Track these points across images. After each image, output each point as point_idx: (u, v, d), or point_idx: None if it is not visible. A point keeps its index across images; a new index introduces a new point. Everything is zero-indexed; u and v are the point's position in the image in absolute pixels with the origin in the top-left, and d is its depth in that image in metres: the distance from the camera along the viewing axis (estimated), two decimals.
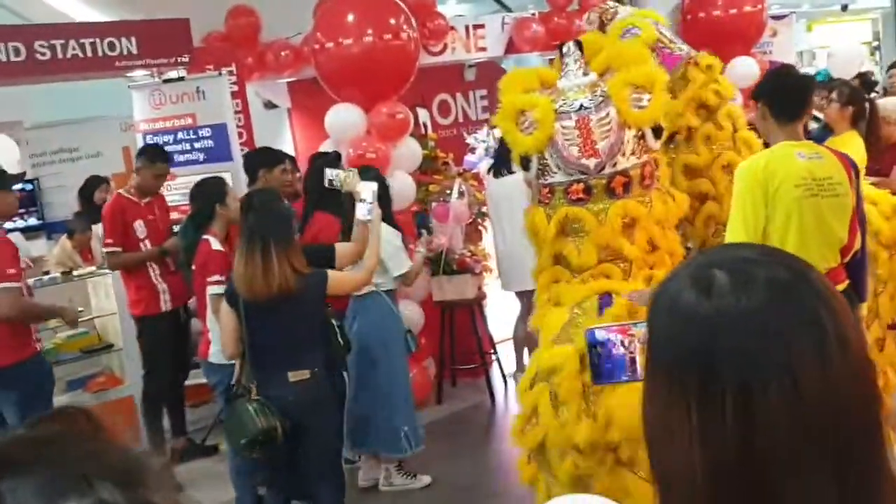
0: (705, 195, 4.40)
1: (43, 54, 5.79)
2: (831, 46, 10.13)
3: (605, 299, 3.41)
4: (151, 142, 6.25)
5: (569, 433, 3.21)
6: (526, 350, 6.37)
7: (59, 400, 5.97)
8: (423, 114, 7.66)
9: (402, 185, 6.11)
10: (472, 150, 6.70)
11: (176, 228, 5.66)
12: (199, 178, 5.38)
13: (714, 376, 0.89)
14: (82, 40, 5.94)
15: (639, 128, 3.50)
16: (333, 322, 4.49)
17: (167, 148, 6.30)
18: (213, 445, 5.87)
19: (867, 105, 5.40)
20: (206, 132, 6.35)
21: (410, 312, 6.12)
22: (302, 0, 6.93)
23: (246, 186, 5.49)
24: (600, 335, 1.73)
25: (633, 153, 3.52)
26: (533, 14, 8.14)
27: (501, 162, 3.88)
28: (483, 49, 7.74)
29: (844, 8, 13.90)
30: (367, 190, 4.36)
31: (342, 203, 4.64)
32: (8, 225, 5.89)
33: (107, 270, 5.91)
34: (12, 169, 7.27)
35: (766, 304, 0.90)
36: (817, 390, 0.87)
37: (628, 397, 2.80)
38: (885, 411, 0.97)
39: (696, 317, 0.92)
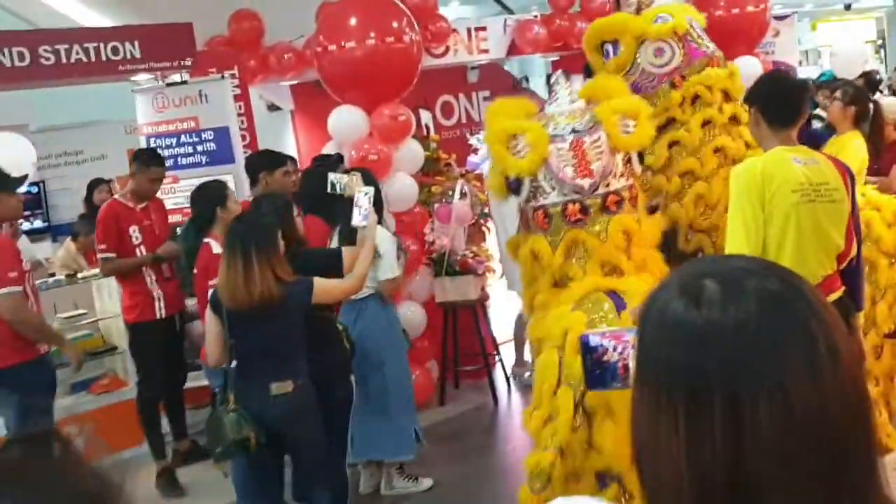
0: (692, 173, 4.40)
1: (47, 59, 5.81)
2: (834, 46, 10.12)
3: (617, 300, 3.45)
4: (146, 146, 6.25)
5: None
6: (527, 346, 6.37)
7: (63, 402, 6.02)
8: (425, 115, 7.68)
9: (404, 187, 6.14)
10: (475, 151, 6.70)
11: (178, 231, 5.67)
12: (201, 181, 5.41)
13: (703, 387, 0.89)
14: (86, 45, 5.96)
15: (627, 152, 3.70)
16: (339, 325, 4.51)
17: (170, 151, 6.33)
18: None
19: (871, 105, 5.39)
20: (208, 135, 6.37)
21: (413, 314, 6.14)
22: (304, 3, 6.95)
23: (248, 189, 5.52)
24: (594, 341, 1.73)
25: (622, 175, 3.70)
26: (535, 16, 8.14)
27: None
28: (485, 51, 7.74)
29: (848, 7, 13.89)
30: (363, 195, 4.33)
31: (335, 209, 4.58)
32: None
33: None
34: (28, 170, 7.33)
35: (756, 316, 0.89)
36: (807, 403, 0.87)
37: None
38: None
39: (685, 327, 0.92)
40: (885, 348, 4.60)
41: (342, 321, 4.63)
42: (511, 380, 6.79)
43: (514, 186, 3.71)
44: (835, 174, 3.40)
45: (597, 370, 1.73)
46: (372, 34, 5.91)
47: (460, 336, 6.52)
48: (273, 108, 7.71)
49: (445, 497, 5.05)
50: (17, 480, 0.69)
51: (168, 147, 6.38)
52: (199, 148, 6.39)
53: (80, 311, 6.22)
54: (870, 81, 8.49)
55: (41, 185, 8.97)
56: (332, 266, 4.18)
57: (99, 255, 5.59)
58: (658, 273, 3.63)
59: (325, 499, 4.07)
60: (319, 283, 3.94)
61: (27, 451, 0.75)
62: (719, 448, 0.87)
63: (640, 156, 3.81)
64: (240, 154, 6.30)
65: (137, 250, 5.49)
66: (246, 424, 3.75)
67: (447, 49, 7.35)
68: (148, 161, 5.60)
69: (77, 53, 5.93)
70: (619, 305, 3.43)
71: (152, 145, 6.37)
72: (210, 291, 4.12)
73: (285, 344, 3.87)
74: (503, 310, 7.02)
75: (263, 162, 5.44)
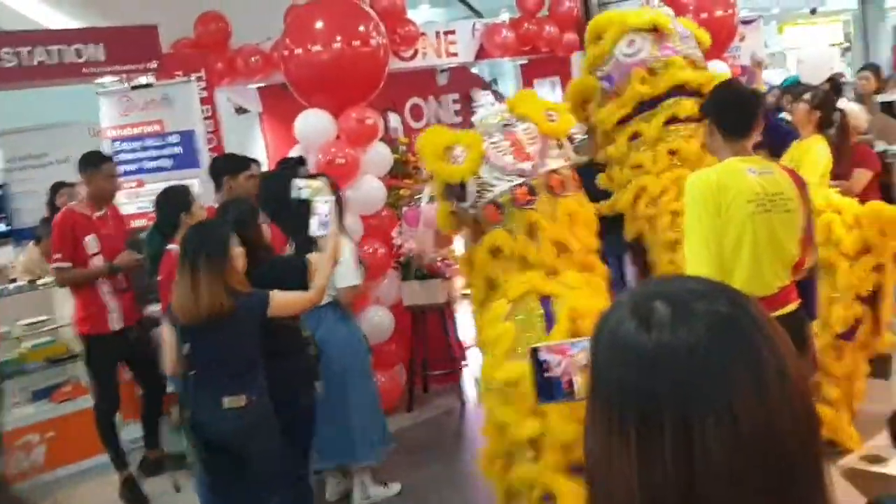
0: (641, 167, 4.53)
1: (10, 61, 5.74)
2: (801, 53, 10.22)
3: (548, 309, 3.57)
4: (110, 150, 6.17)
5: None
6: None
7: (25, 411, 5.95)
8: (394, 118, 7.66)
9: (372, 190, 6.11)
10: None
11: (142, 236, 5.60)
12: (166, 185, 5.35)
13: (654, 409, 0.89)
14: (50, 47, 5.89)
15: (556, 137, 3.95)
16: (304, 332, 4.46)
17: (134, 155, 6.29)
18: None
19: (837, 113, 5.44)
20: (174, 139, 6.32)
21: (380, 318, 6.11)
22: (272, 5, 6.92)
23: (214, 193, 5.46)
24: (542, 355, 1.74)
25: (558, 157, 3.94)
26: (504, 20, 8.16)
27: None
28: (454, 54, 7.76)
29: (813, 11, 14.05)
30: (322, 203, 4.22)
31: (294, 216, 4.44)
32: None
33: None
34: None
35: (706, 339, 0.90)
36: (755, 423, 0.88)
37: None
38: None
39: (636, 349, 0.92)
40: (847, 350, 4.64)
41: (306, 328, 4.57)
42: (479, 382, 6.78)
43: (458, 193, 3.85)
44: (789, 184, 3.39)
45: (545, 384, 1.74)
46: (339, 38, 5.87)
47: (428, 340, 6.50)
48: (241, 110, 7.65)
49: (414, 502, 5.03)
50: None
51: (133, 151, 6.32)
52: (165, 151, 6.34)
53: (42, 318, 6.13)
54: (835, 85, 8.58)
55: (4, 188, 8.84)
56: (299, 275, 4.08)
57: (53, 266, 5.43)
58: (597, 273, 3.87)
59: None
60: (277, 296, 3.82)
61: None
62: (671, 471, 0.88)
63: (571, 141, 4.17)
64: (206, 158, 6.25)
65: (94, 260, 5.35)
66: (188, 437, 3.69)
67: (416, 52, 7.35)
68: (97, 161, 5.46)
69: (40, 55, 5.87)
70: (549, 318, 3.54)
71: (117, 149, 6.31)
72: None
73: (238, 357, 3.77)
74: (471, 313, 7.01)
75: (227, 166, 5.39)
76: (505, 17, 8.33)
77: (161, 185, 5.45)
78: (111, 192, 5.53)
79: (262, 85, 7.12)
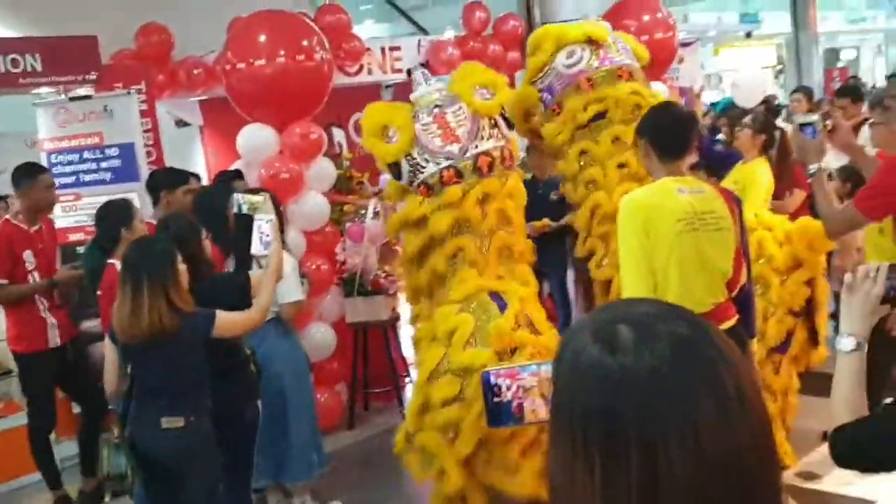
0: (594, 183, 4.54)
1: None
2: (735, 77, 10.46)
3: (499, 301, 3.76)
4: (46, 162, 6.02)
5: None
6: None
7: None
8: (338, 133, 7.64)
9: (316, 205, 6.08)
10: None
11: (79, 250, 5.48)
12: (105, 198, 5.24)
13: (618, 431, 0.90)
14: None
15: (489, 116, 4.10)
16: (246, 349, 4.40)
17: (73, 167, 6.15)
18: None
19: (776, 133, 5.58)
20: (113, 151, 6.19)
21: (322, 335, 6.07)
22: (215, 17, 6.86)
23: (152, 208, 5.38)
24: (492, 379, 1.74)
25: (491, 137, 4.09)
26: (449, 37, 8.22)
27: None
28: (399, 70, 7.77)
29: (748, 34, 14.43)
30: (264, 222, 4.12)
31: (232, 233, 4.31)
32: None
33: None
34: None
35: (669, 361, 0.92)
36: (718, 441, 0.90)
37: None
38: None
39: (600, 372, 0.93)
40: (783, 364, 4.75)
41: (247, 345, 4.52)
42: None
43: (394, 171, 4.10)
44: (721, 203, 3.44)
45: (494, 409, 1.74)
46: (282, 52, 5.83)
47: (371, 357, 6.46)
48: (181, 123, 7.56)
49: None
50: None
51: (70, 163, 6.19)
52: (104, 164, 6.20)
53: None
54: (770, 107, 8.81)
55: None
56: (240, 293, 4.01)
57: None
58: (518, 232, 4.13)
59: None
60: (223, 317, 3.73)
61: None
62: (635, 493, 0.89)
63: (507, 120, 4.25)
64: (146, 171, 6.13)
65: (31, 276, 5.19)
66: (128, 457, 3.62)
67: (361, 67, 7.36)
68: (33, 172, 5.27)
69: None
70: (501, 306, 3.78)
71: (54, 161, 6.17)
72: None
73: (182, 377, 3.69)
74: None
75: (165, 180, 5.29)
76: (450, 34, 8.39)
77: (99, 199, 5.33)
78: (49, 203, 5.39)
79: (203, 98, 7.05)
